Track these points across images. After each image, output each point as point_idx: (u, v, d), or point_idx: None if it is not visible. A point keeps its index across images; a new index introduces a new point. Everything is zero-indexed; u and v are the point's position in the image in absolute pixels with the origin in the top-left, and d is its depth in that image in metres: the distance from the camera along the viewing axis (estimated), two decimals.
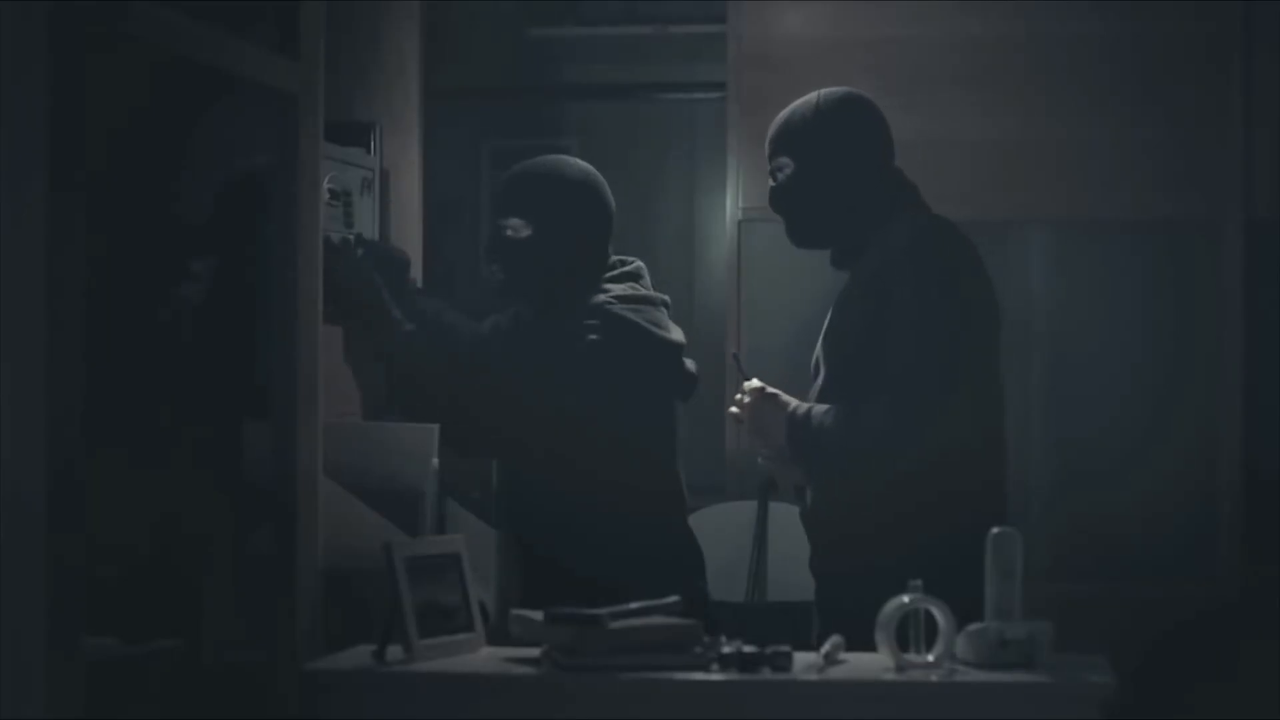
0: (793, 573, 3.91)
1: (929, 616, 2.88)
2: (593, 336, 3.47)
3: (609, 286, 3.57)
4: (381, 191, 3.84)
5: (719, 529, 4.21)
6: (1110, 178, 4.87)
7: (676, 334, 3.61)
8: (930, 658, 2.88)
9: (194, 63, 2.84)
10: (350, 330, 3.62)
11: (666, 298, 3.68)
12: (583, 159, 3.74)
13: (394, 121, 4.11)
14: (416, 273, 3.93)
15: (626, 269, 3.65)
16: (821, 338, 3.46)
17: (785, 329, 4.76)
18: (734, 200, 4.97)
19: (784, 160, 3.47)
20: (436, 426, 3.39)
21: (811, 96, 3.53)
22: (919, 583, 2.88)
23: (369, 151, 3.82)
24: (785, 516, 4.25)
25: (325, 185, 3.40)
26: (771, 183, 3.49)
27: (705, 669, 2.90)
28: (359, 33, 4.00)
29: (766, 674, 2.87)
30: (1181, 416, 4.84)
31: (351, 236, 3.64)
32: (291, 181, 3.05)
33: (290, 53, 3.04)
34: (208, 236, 3.38)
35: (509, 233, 3.59)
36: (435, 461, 3.34)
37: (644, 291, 3.61)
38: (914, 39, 4.89)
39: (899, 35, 4.89)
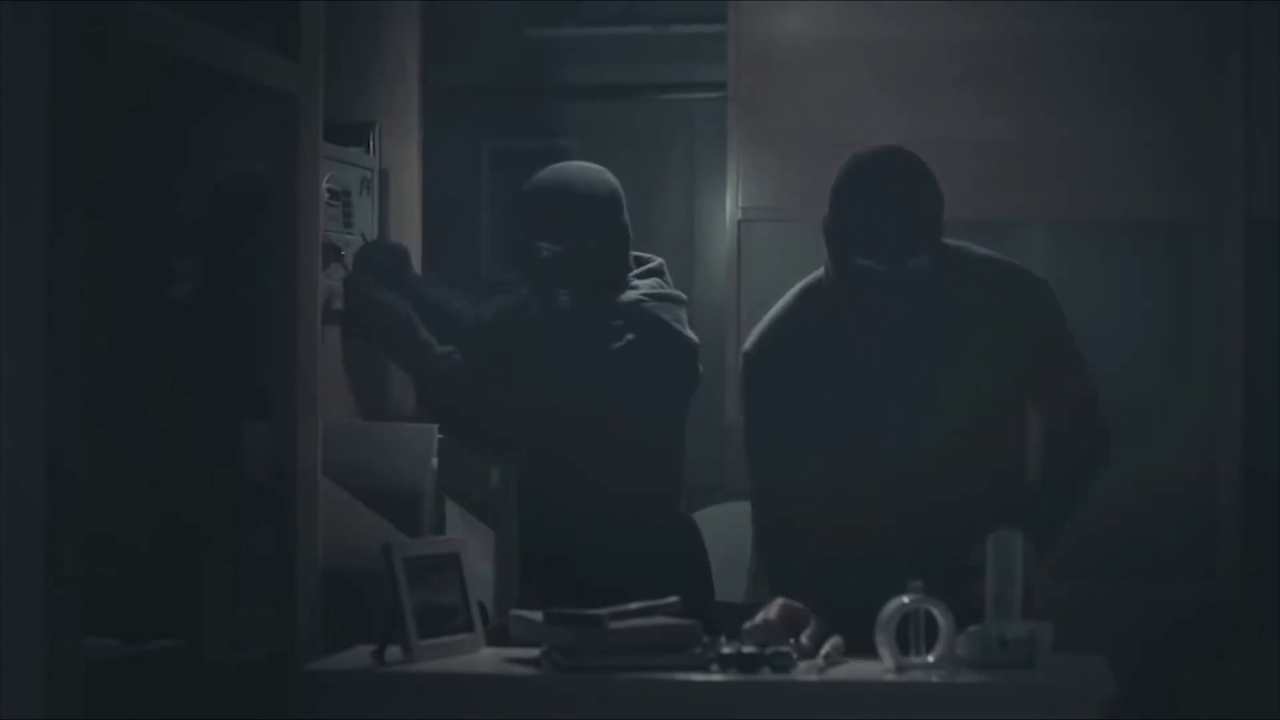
0: None
1: (929, 617, 2.89)
2: (630, 335, 3.51)
3: (638, 283, 3.60)
4: (381, 191, 3.84)
5: (719, 529, 4.20)
6: (1110, 178, 4.86)
7: (693, 334, 3.65)
8: (930, 658, 2.88)
9: (194, 63, 2.84)
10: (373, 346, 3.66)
11: (684, 295, 3.72)
12: (583, 159, 3.74)
13: (393, 121, 4.11)
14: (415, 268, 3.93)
15: (650, 266, 3.70)
16: (898, 396, 3.33)
17: None
18: (734, 200, 4.97)
19: None
20: (435, 426, 3.40)
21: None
22: (919, 583, 2.89)
23: (368, 151, 3.82)
24: None
25: (324, 185, 3.40)
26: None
27: (705, 669, 2.90)
28: (359, 33, 4.00)
29: (766, 674, 2.87)
30: (1182, 416, 4.84)
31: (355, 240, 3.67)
32: (291, 181, 3.05)
33: (290, 53, 3.04)
34: (204, 235, 3.38)
35: (544, 253, 3.59)
36: (434, 462, 3.34)
37: (668, 290, 3.65)
38: (914, 39, 4.89)
39: (899, 35, 4.89)
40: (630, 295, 3.59)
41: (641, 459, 3.58)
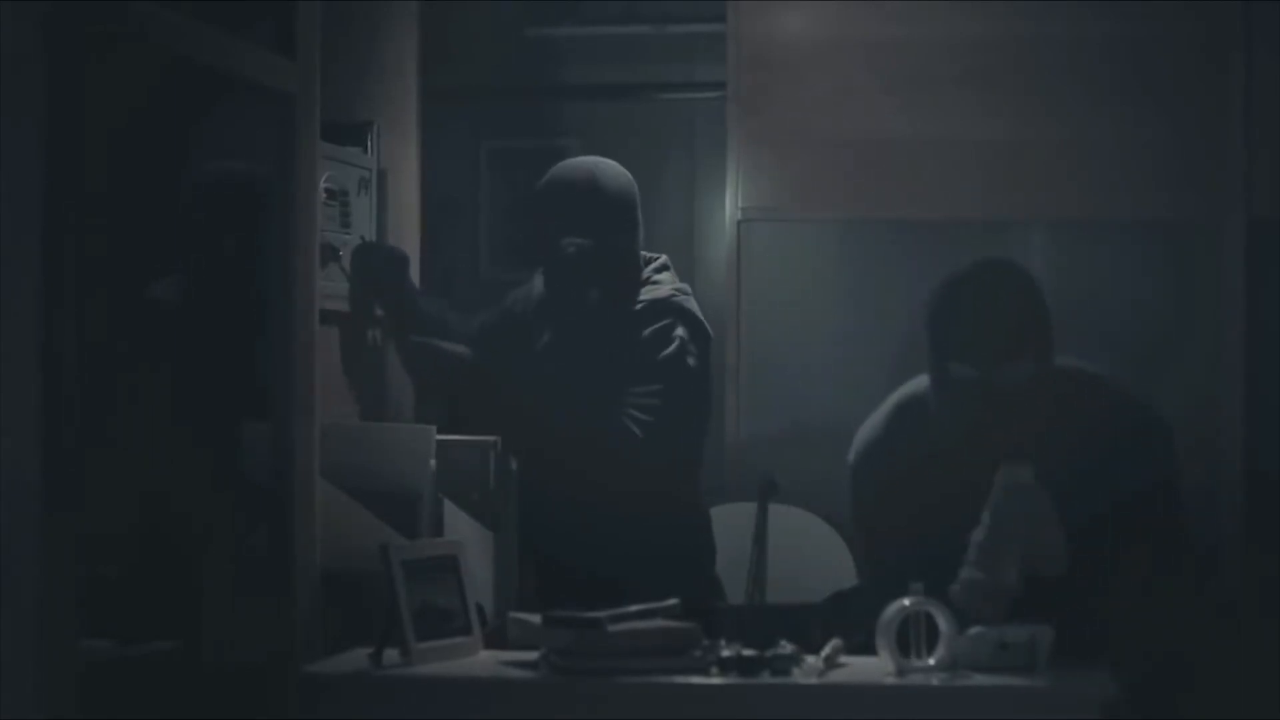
0: (792, 574, 3.90)
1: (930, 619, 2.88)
2: (679, 331, 3.52)
3: (659, 279, 3.62)
4: (379, 191, 3.83)
5: (719, 530, 4.20)
6: (1110, 178, 4.85)
7: None
8: (931, 661, 2.87)
9: (192, 63, 2.83)
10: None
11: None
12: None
13: (392, 121, 4.09)
14: (414, 273, 3.92)
15: (662, 261, 3.73)
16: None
17: (785, 329, 4.75)
18: (734, 200, 4.95)
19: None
20: (434, 427, 3.38)
21: None
22: (920, 585, 2.88)
23: (366, 151, 3.81)
24: (785, 518, 4.23)
25: (322, 185, 3.39)
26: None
27: (704, 672, 2.89)
28: (357, 32, 3.98)
29: (766, 677, 2.86)
30: (1182, 418, 4.82)
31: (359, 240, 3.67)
32: (289, 181, 3.04)
33: (288, 52, 3.03)
34: (202, 235, 3.36)
35: (571, 249, 3.58)
36: (433, 463, 3.33)
37: (680, 283, 3.69)
38: (914, 39, 4.87)
39: (899, 35, 4.88)
40: (661, 290, 3.61)
41: (680, 454, 3.61)
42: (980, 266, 3.23)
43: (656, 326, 3.57)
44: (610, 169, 3.67)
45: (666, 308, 3.60)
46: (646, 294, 3.64)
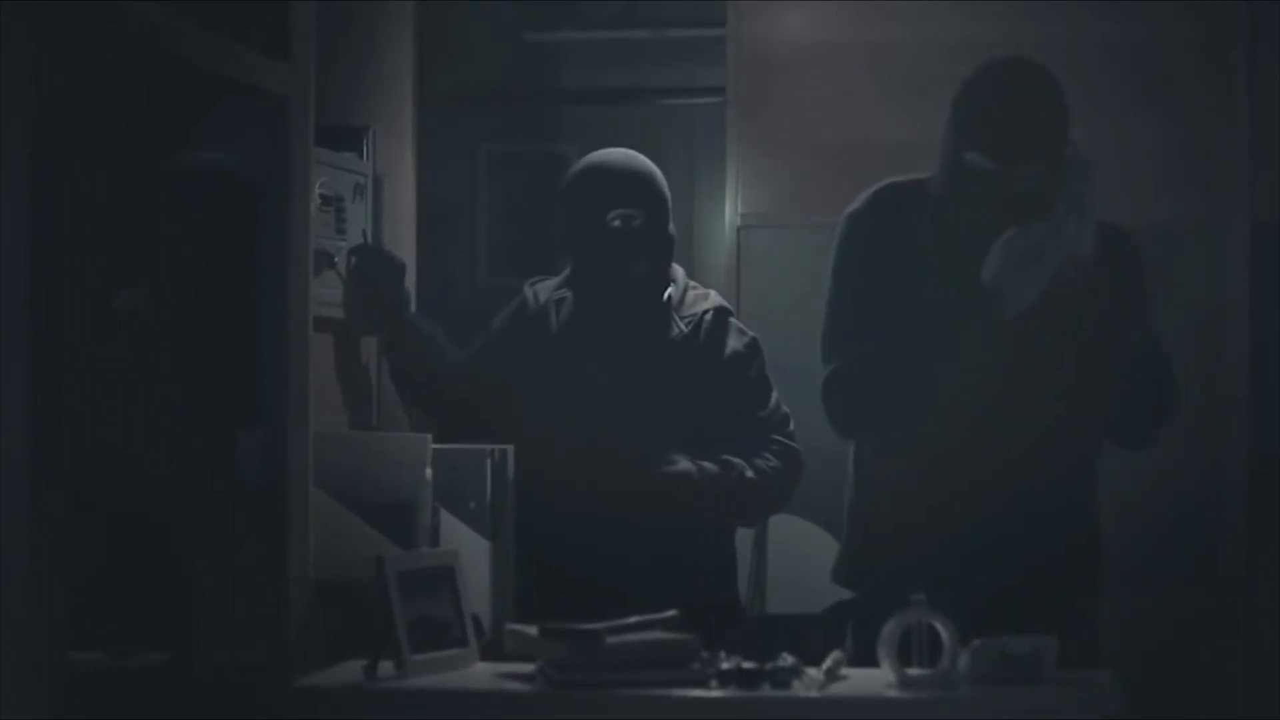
0: (791, 582, 3.88)
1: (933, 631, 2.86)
2: (749, 338, 3.64)
3: (694, 283, 3.66)
4: (375, 197, 3.80)
5: None
6: (1111, 180, 4.79)
7: None
8: (933, 673, 2.85)
9: (186, 64, 2.81)
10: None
11: None
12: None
13: (388, 125, 4.07)
14: (410, 279, 3.90)
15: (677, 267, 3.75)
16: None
17: (785, 334, 4.72)
18: (733, 205, 4.93)
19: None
20: (429, 436, 3.36)
21: None
22: (922, 596, 2.85)
23: (362, 156, 3.78)
24: (784, 525, 4.21)
25: (317, 190, 3.36)
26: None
27: (704, 685, 2.86)
28: (353, 35, 3.96)
29: (766, 690, 2.83)
30: (1184, 421, 4.80)
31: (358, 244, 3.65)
32: (282, 186, 3.02)
33: (281, 54, 3.01)
34: (193, 240, 3.34)
35: (616, 222, 3.56)
36: (429, 472, 3.30)
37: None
38: (914, 41, 4.86)
39: (899, 37, 4.86)
40: (713, 297, 3.63)
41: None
42: (1017, 64, 3.28)
43: (735, 335, 3.59)
44: (642, 156, 3.69)
45: (726, 313, 3.63)
46: (699, 301, 3.63)
